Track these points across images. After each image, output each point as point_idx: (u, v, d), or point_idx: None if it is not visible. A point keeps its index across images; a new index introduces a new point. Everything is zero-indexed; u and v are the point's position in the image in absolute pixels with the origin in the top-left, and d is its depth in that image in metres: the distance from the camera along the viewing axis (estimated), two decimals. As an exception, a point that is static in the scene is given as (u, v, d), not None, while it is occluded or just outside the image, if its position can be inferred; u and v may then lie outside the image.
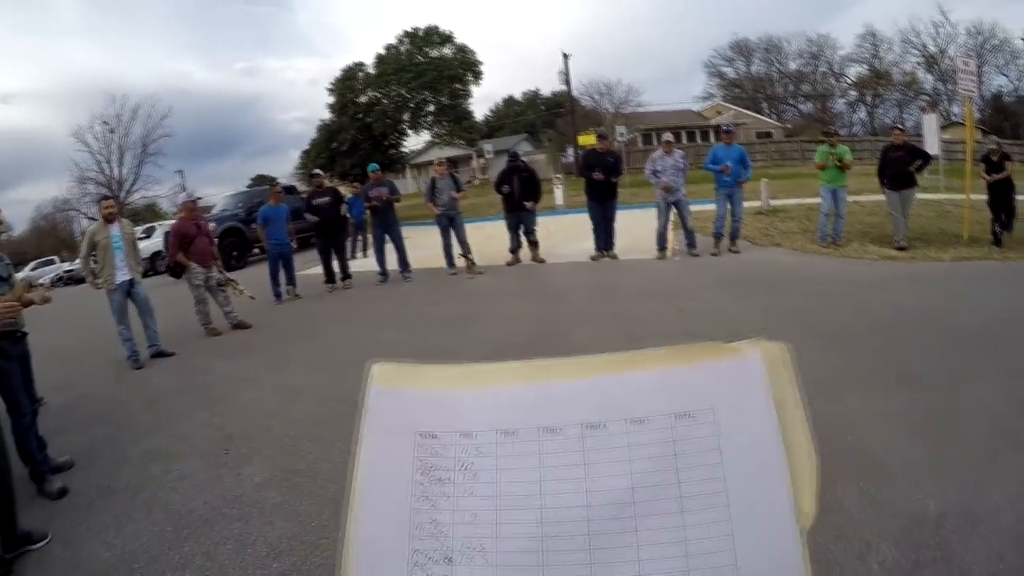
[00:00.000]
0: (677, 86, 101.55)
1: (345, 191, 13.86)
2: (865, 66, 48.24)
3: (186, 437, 4.53)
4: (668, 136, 9.31)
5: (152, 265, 17.40)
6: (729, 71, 53.26)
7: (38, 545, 3.23)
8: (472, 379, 0.48)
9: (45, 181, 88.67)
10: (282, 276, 9.50)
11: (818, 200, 9.64)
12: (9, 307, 3.52)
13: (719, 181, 9.04)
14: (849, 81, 49.37)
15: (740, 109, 44.49)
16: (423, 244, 11.18)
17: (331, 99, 32.99)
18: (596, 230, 9.70)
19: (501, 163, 11.31)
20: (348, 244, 11.51)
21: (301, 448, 3.99)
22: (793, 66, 51.19)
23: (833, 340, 4.89)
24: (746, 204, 9.78)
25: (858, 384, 4.03)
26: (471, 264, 9.70)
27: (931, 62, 44.61)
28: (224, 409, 5.00)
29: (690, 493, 0.42)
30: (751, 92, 51.67)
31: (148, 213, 39.55)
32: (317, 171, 11.11)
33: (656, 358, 0.46)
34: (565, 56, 32.49)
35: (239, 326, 7.83)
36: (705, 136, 38.45)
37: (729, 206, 9.06)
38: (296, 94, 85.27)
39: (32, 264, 30.15)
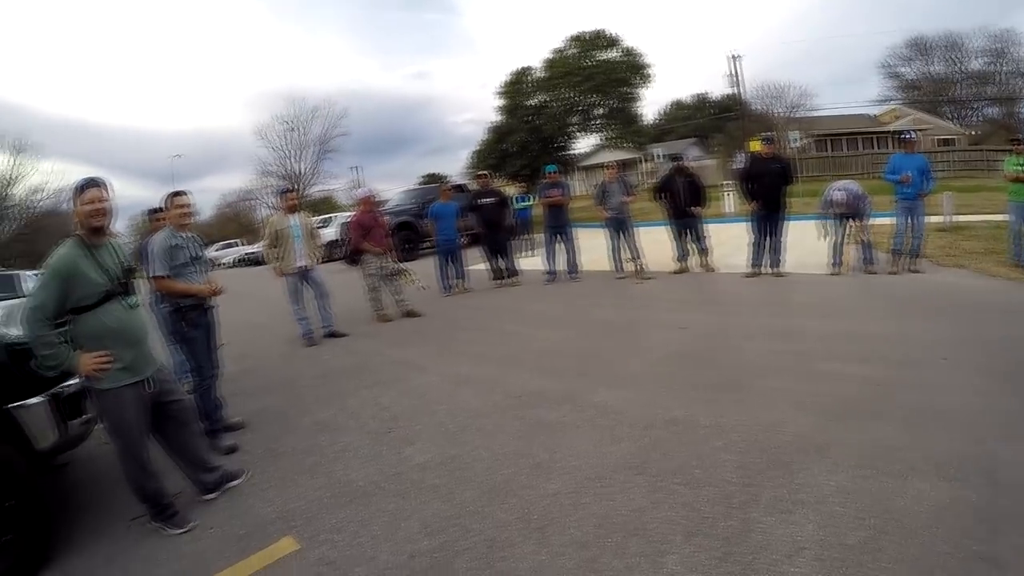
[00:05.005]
0: (851, 89, 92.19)
1: (512, 191, 14.02)
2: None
3: (353, 413, 4.64)
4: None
5: (328, 253, 18.74)
6: (907, 72, 46.51)
7: (237, 481, 3.57)
8: None
9: (229, 173, 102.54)
10: (451, 270, 9.78)
11: (1006, 217, 8.12)
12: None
13: (899, 193, 7.86)
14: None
15: (919, 114, 38.63)
16: (590, 247, 10.92)
17: (500, 102, 33.75)
18: (756, 244, 8.58)
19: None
20: (512, 243, 11.52)
21: (463, 436, 3.90)
22: (975, 65, 43.31)
23: (1015, 381, 3.92)
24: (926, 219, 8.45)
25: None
26: (639, 269, 9.31)
27: None
28: (391, 391, 5.07)
29: None
30: (931, 95, 45.05)
31: (325, 205, 43.18)
32: (483, 172, 11.36)
33: None
34: (734, 58, 31.00)
35: (410, 314, 8.09)
36: (882, 143, 34.70)
37: (910, 221, 7.95)
38: (466, 96, 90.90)
39: (217, 246, 34.54)
